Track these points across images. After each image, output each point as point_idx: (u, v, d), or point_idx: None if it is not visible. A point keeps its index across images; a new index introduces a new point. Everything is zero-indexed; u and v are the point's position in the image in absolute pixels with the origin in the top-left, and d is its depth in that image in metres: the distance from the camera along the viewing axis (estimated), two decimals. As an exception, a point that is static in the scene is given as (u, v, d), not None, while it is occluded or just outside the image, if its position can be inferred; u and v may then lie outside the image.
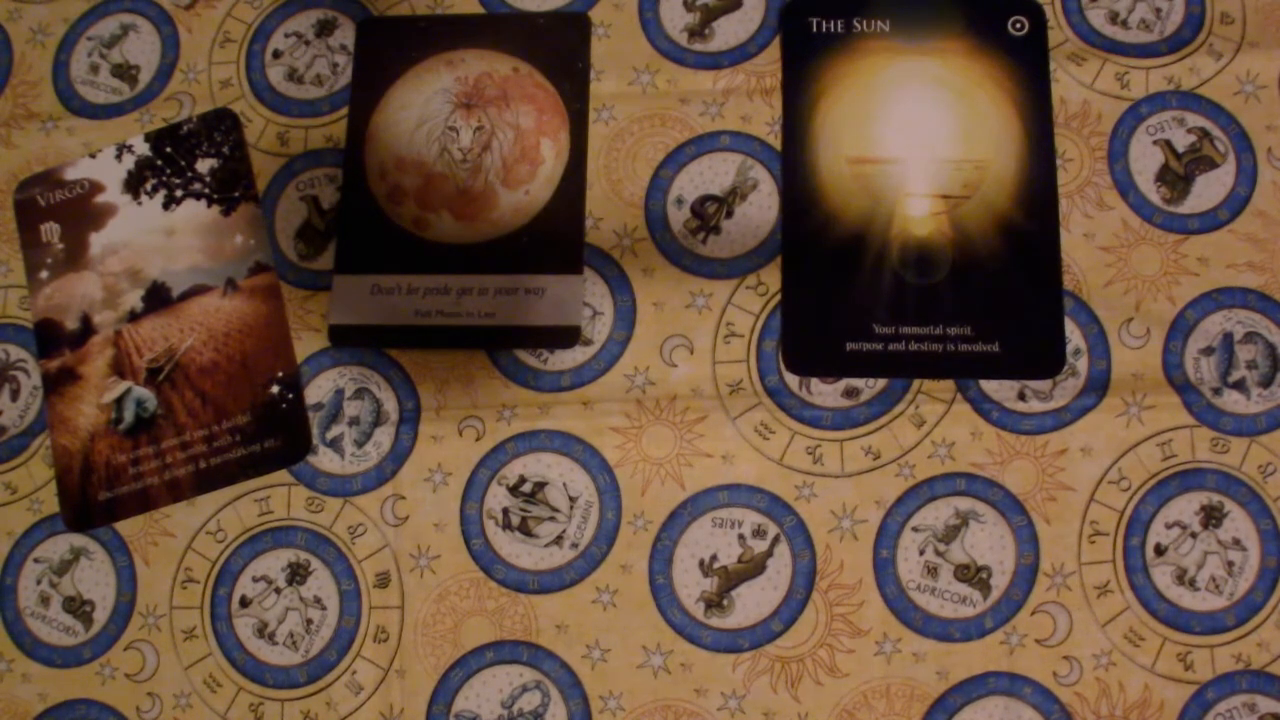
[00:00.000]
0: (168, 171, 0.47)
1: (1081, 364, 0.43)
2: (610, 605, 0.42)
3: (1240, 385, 0.42)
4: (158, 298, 0.46)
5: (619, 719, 0.42)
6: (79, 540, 0.45)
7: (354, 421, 0.44)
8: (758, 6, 0.47)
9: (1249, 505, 0.42)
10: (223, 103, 0.48)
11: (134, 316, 0.46)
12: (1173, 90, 0.45)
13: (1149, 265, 0.44)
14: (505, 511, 0.43)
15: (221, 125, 0.48)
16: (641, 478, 0.43)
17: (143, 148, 0.48)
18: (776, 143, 0.46)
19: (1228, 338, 0.43)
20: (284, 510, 0.44)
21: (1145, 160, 0.45)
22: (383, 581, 0.43)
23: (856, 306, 0.43)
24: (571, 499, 0.43)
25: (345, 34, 0.48)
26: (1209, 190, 0.44)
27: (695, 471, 0.43)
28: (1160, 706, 0.41)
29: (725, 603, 0.42)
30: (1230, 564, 0.41)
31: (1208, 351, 0.43)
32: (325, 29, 0.49)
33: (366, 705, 0.42)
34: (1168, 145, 0.45)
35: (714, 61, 0.47)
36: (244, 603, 0.44)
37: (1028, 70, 0.45)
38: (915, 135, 0.45)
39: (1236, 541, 0.41)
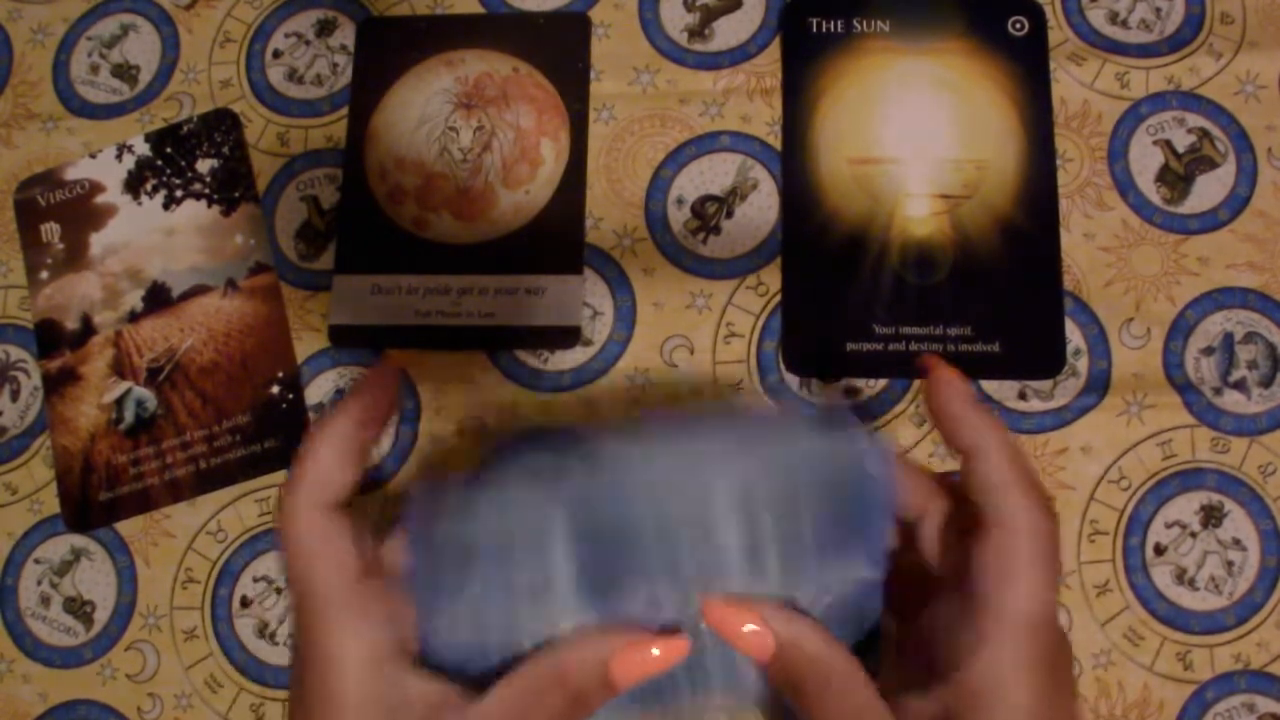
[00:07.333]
0: (168, 171, 0.47)
1: (1082, 364, 0.43)
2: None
3: (1241, 385, 0.42)
4: (158, 298, 0.46)
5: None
6: (79, 541, 0.45)
7: (354, 421, 0.44)
8: (758, 6, 0.47)
9: (1249, 505, 0.42)
10: (223, 103, 0.48)
11: (134, 316, 0.46)
12: (1173, 90, 0.45)
13: (1149, 265, 0.44)
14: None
15: (221, 125, 0.48)
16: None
17: (143, 148, 0.48)
18: (776, 143, 0.46)
19: (1228, 338, 0.43)
20: (284, 510, 0.44)
21: (1145, 160, 0.45)
22: (383, 581, 0.43)
23: (856, 306, 0.43)
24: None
25: (345, 34, 0.48)
26: (1209, 190, 0.44)
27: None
28: (1159, 706, 0.41)
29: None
30: (1230, 564, 0.41)
31: (1208, 351, 0.43)
32: (325, 29, 0.49)
33: (367, 705, 0.42)
34: (1168, 145, 0.45)
35: (714, 61, 0.47)
36: (245, 603, 0.44)
37: (1028, 70, 0.45)
38: (915, 135, 0.45)
39: (1236, 541, 0.42)
